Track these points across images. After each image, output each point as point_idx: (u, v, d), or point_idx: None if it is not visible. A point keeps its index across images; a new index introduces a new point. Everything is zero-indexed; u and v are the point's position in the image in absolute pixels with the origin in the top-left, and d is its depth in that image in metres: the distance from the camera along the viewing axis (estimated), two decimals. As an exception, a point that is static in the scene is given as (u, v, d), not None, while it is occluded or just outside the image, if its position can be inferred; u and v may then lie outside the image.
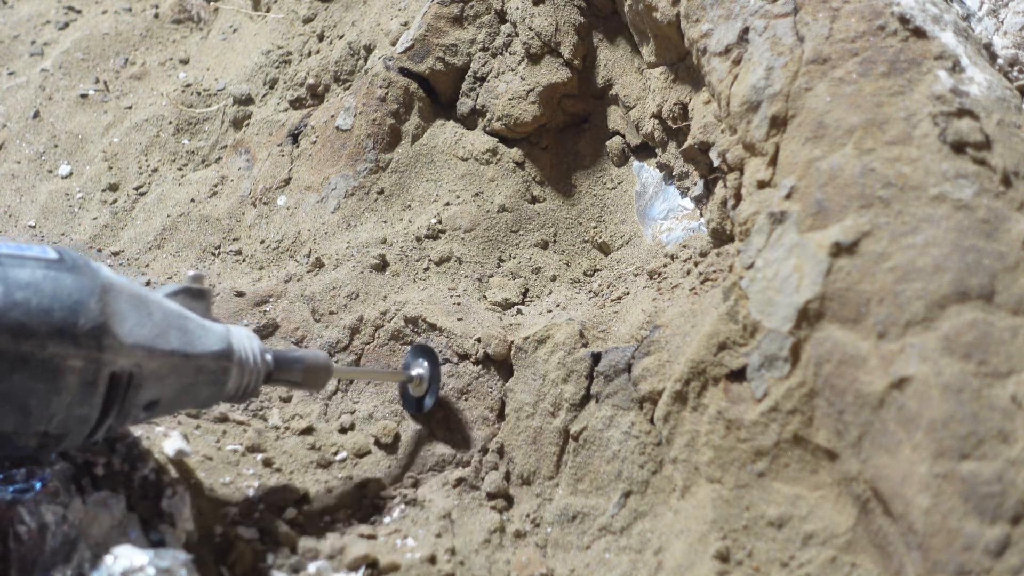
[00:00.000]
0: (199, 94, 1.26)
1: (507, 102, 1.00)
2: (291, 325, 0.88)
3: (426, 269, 0.92)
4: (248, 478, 0.71)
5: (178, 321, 0.57)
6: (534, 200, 0.99)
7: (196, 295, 0.62)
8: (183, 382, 0.57)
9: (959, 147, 0.60)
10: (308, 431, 0.79)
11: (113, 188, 1.19)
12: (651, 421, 0.69)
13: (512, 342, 0.79)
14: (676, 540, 0.63)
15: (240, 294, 0.92)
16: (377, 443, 0.78)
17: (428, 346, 0.77)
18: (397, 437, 0.78)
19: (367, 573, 0.65)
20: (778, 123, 0.66)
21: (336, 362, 0.84)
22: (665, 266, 0.87)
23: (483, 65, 1.03)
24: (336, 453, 0.77)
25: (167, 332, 0.56)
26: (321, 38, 1.22)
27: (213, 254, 1.04)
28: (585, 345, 0.76)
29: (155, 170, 1.20)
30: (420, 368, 0.77)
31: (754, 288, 0.62)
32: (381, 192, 0.98)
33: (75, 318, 0.49)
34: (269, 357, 0.64)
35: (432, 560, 0.67)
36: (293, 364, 0.65)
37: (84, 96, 1.33)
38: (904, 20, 0.66)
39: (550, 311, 0.86)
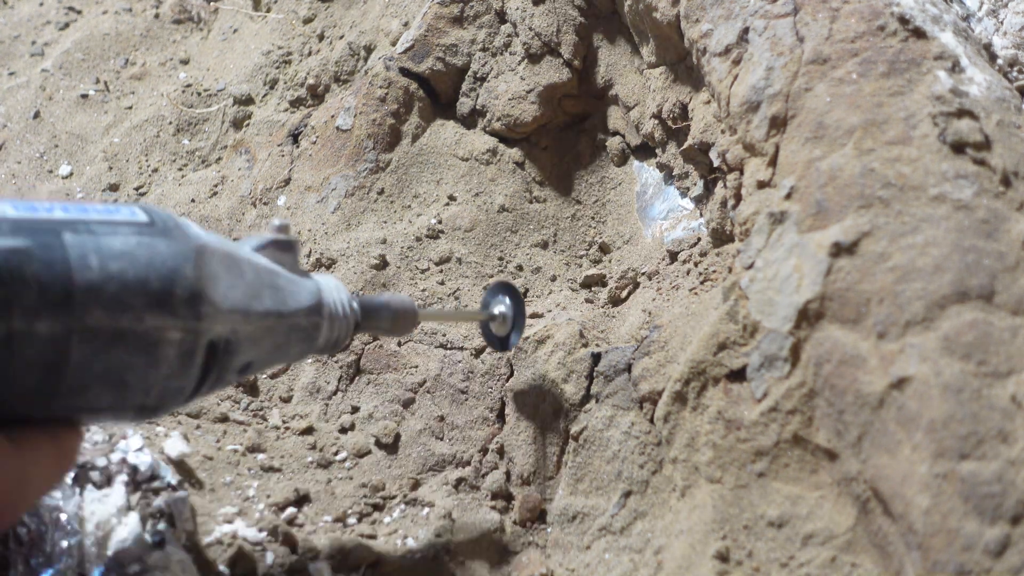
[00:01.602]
0: (199, 94, 1.26)
1: (507, 102, 1.00)
2: (291, 325, 0.88)
3: (426, 269, 0.92)
4: (248, 478, 0.71)
5: (269, 278, 0.55)
6: (534, 200, 0.99)
7: (283, 247, 0.59)
8: (276, 342, 0.55)
9: (959, 147, 0.60)
10: (308, 431, 0.79)
11: (113, 188, 1.19)
12: (651, 421, 0.69)
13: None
14: (676, 540, 0.63)
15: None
16: (377, 443, 0.78)
17: (508, 282, 0.75)
18: (397, 437, 0.78)
19: (367, 573, 0.65)
20: (778, 123, 0.66)
21: (336, 362, 0.84)
22: (665, 266, 0.87)
23: (483, 65, 1.03)
24: (336, 453, 0.77)
25: (260, 292, 0.53)
26: (321, 38, 1.22)
27: (213, 254, 1.04)
28: (585, 345, 0.76)
29: (155, 170, 1.20)
30: (502, 306, 0.74)
31: (754, 288, 0.62)
32: (381, 192, 0.99)
33: (172, 287, 0.46)
34: (356, 305, 0.62)
35: (432, 560, 0.67)
36: (381, 311, 0.64)
37: (84, 96, 1.33)
38: (904, 20, 0.66)
39: (550, 311, 0.86)
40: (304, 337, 0.58)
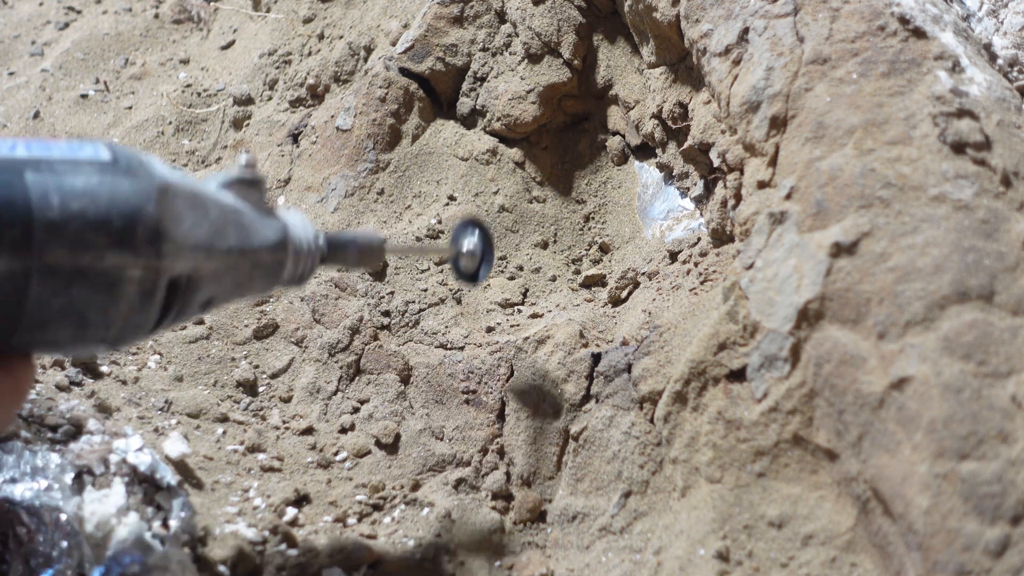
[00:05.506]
0: (199, 94, 1.26)
1: (507, 102, 1.00)
2: (291, 325, 0.88)
3: (426, 269, 0.92)
4: (248, 478, 0.71)
5: (234, 216, 0.55)
6: (534, 200, 0.99)
7: (250, 184, 0.59)
8: (239, 279, 0.56)
9: (959, 147, 0.60)
10: (308, 431, 0.79)
11: (113, 188, 1.19)
12: (651, 421, 0.69)
13: (512, 342, 0.79)
14: (676, 540, 0.63)
15: (240, 294, 0.92)
16: (377, 443, 0.78)
17: (477, 218, 0.75)
18: (397, 437, 0.78)
19: (367, 573, 0.65)
20: (778, 123, 0.66)
21: (336, 362, 0.84)
22: (665, 266, 0.87)
23: (483, 65, 1.03)
24: (336, 453, 0.77)
25: (224, 229, 0.53)
26: (321, 38, 1.22)
27: (213, 254, 1.04)
28: (585, 345, 0.76)
29: (155, 170, 1.20)
30: (470, 242, 0.74)
31: (754, 288, 0.62)
32: (381, 192, 0.98)
33: (133, 225, 0.47)
34: (322, 241, 0.63)
35: (432, 560, 0.67)
36: (347, 246, 0.64)
37: (84, 96, 1.33)
38: (904, 20, 0.66)
39: (550, 311, 0.86)
40: (267, 273, 0.58)
